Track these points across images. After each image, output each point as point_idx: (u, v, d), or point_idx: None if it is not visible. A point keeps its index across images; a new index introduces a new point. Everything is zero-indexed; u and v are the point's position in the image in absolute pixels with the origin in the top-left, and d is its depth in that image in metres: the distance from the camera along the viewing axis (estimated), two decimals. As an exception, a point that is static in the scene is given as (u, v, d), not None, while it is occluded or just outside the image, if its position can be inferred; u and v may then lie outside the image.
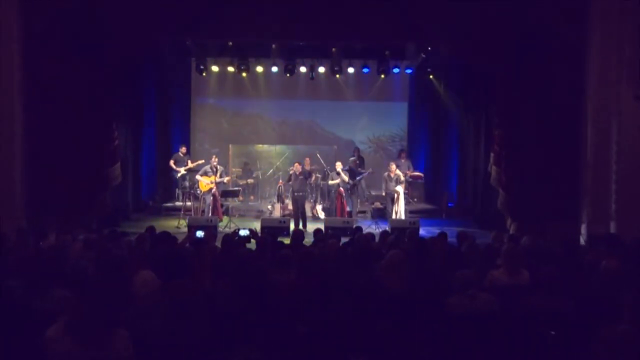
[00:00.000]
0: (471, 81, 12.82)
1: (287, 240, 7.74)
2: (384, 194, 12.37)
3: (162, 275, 4.74)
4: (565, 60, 9.93)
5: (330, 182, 12.60)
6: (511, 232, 10.03)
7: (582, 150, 9.86)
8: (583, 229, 9.69)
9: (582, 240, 9.18)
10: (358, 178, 12.81)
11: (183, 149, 13.88)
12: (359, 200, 12.91)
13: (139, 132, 13.81)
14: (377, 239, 7.90)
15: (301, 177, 11.84)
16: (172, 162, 13.61)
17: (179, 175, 13.51)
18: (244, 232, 8.18)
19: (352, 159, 13.34)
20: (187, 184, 13.33)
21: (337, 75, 14.80)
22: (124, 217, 12.36)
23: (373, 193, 13.74)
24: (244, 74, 14.54)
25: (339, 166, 12.39)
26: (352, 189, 12.41)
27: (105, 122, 10.56)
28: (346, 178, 12.26)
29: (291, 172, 12.01)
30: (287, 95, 15.75)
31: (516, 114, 10.41)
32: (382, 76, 14.58)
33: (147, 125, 14.27)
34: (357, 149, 15.18)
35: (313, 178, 13.49)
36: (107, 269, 4.86)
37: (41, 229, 7.32)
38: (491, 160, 11.04)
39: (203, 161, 13.05)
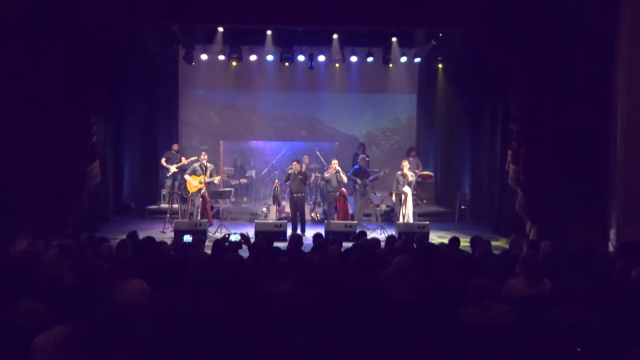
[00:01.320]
0: (486, 71, 12.79)
1: (283, 246, 7.73)
2: (393, 196, 12.28)
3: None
4: (592, 48, 9.90)
5: (326, 175, 12.44)
6: (531, 237, 10.04)
7: (611, 148, 9.84)
8: (612, 234, 9.67)
9: (610, 247, 9.17)
10: (370, 178, 12.77)
11: (175, 146, 14.11)
12: (365, 203, 12.84)
13: (120, 127, 13.80)
14: (382, 244, 7.91)
15: (300, 176, 11.81)
16: (163, 160, 13.79)
17: (170, 173, 13.63)
18: (234, 237, 8.17)
19: (361, 156, 13.29)
20: (176, 183, 13.36)
21: (338, 65, 14.79)
22: (104, 221, 12.33)
23: (378, 194, 13.71)
24: (235, 63, 14.53)
25: (335, 164, 12.30)
26: (362, 189, 12.37)
27: (83, 117, 10.55)
28: (344, 178, 12.21)
29: (289, 171, 11.99)
30: (284, 87, 15.73)
31: (536, 107, 10.38)
32: (391, 65, 14.58)
33: (130, 119, 14.24)
34: (362, 145, 15.14)
35: (312, 178, 13.45)
36: (85, 279, 4.85)
37: (10, 233, 7.28)
38: (508, 158, 11.03)
39: (196, 157, 12.94)
